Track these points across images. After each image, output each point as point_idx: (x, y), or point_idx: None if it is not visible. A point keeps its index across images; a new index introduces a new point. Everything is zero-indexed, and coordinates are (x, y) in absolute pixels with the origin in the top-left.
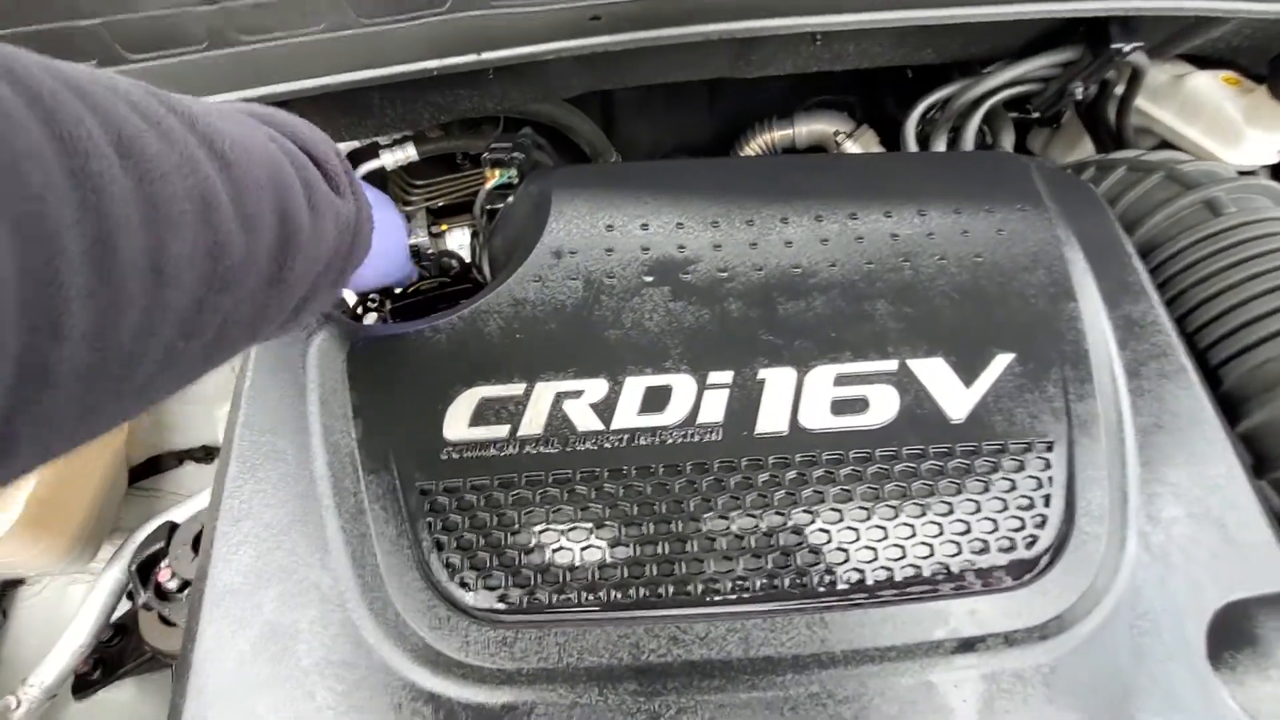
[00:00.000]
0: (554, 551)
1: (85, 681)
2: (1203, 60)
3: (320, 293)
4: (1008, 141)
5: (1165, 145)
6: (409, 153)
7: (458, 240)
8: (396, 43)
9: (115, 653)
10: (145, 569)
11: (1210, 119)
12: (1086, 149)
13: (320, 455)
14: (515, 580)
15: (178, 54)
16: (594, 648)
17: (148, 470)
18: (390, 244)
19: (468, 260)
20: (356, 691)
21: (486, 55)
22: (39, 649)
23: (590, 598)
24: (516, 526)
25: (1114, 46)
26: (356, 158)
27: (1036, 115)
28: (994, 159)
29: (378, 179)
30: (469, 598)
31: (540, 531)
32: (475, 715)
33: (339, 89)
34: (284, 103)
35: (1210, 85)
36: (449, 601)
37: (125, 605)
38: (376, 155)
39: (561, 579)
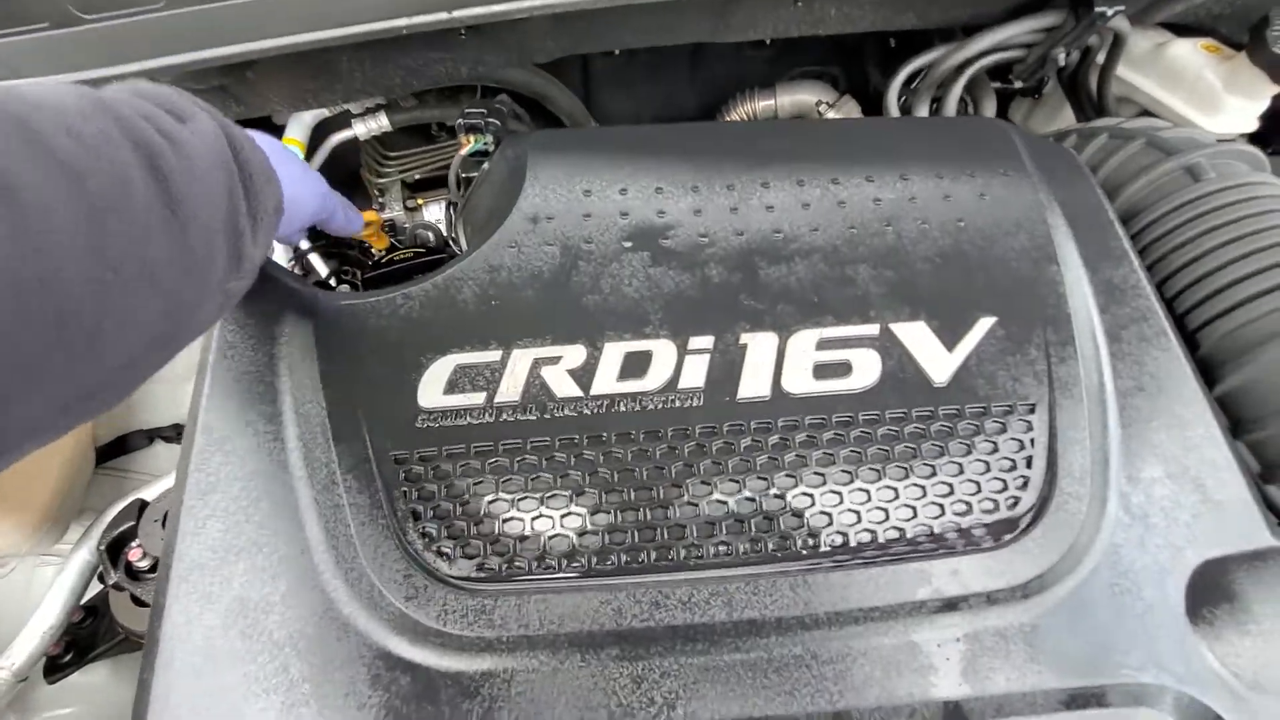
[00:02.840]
0: (533, 519)
1: (56, 664)
2: (1183, 29)
3: (245, 225)
4: (990, 110)
5: (1146, 113)
6: (381, 122)
7: (433, 214)
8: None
9: (87, 635)
10: (115, 548)
11: (1191, 87)
12: (1067, 120)
13: (290, 425)
14: (494, 548)
15: (133, 14)
16: (575, 614)
17: (116, 450)
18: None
19: (444, 233)
20: (332, 664)
21: (457, 13)
22: (7, 632)
23: (571, 565)
24: (494, 494)
25: (1097, 10)
26: (328, 127)
27: (1019, 85)
28: (976, 124)
29: (350, 149)
30: (446, 566)
31: (519, 499)
32: (454, 684)
33: (304, 49)
34: (249, 63)
35: (1190, 53)
36: (426, 571)
37: (96, 587)
38: (349, 125)
39: (541, 546)
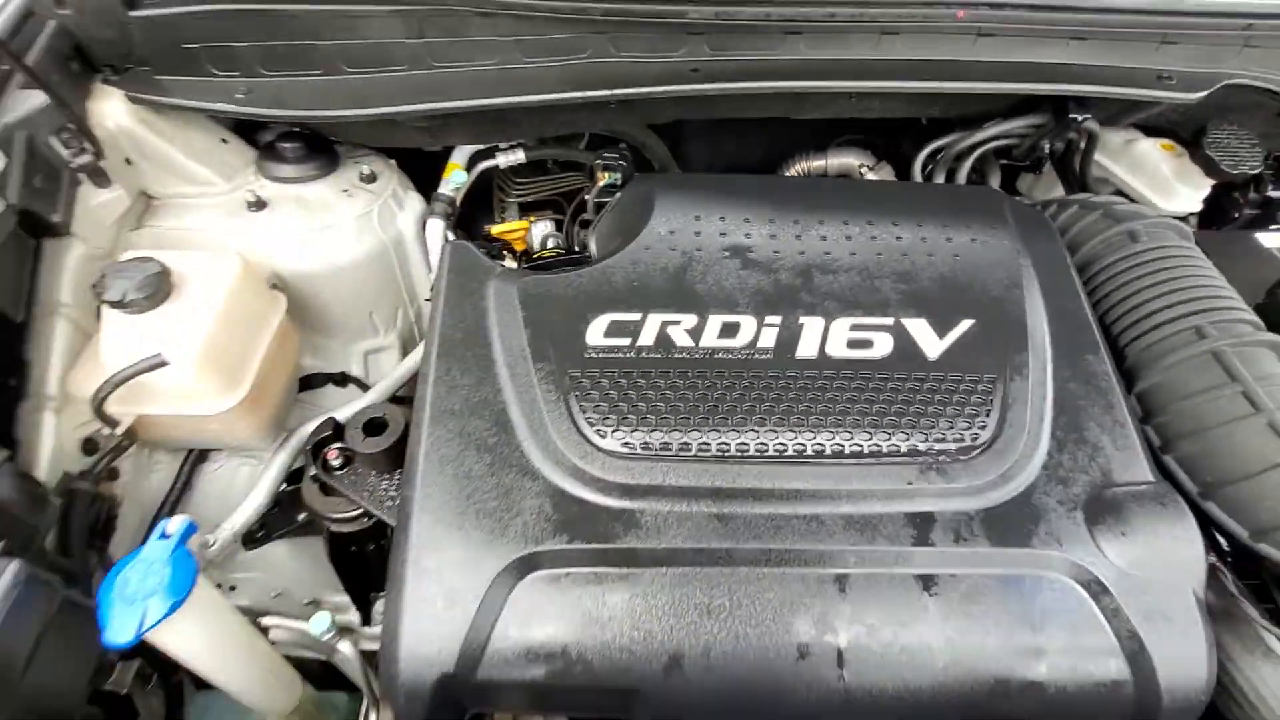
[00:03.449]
0: (659, 418)
1: (253, 537)
2: (1150, 129)
3: None
4: (994, 181)
5: (1119, 192)
6: (519, 156)
7: (541, 230)
8: (549, 77)
9: (276, 518)
10: (315, 450)
11: (1150, 175)
12: (1059, 192)
13: (499, 350)
14: (634, 432)
15: (383, 71)
16: (684, 476)
17: (301, 386)
18: None
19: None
20: (528, 495)
21: (617, 91)
22: (214, 514)
23: (685, 447)
24: (635, 401)
25: (1070, 116)
26: (479, 156)
27: (1023, 163)
28: (978, 193)
29: (487, 176)
30: (601, 441)
31: (650, 406)
32: (605, 513)
33: (500, 108)
34: (452, 115)
35: (1151, 149)
36: (590, 443)
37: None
38: (494, 155)
39: (666, 434)
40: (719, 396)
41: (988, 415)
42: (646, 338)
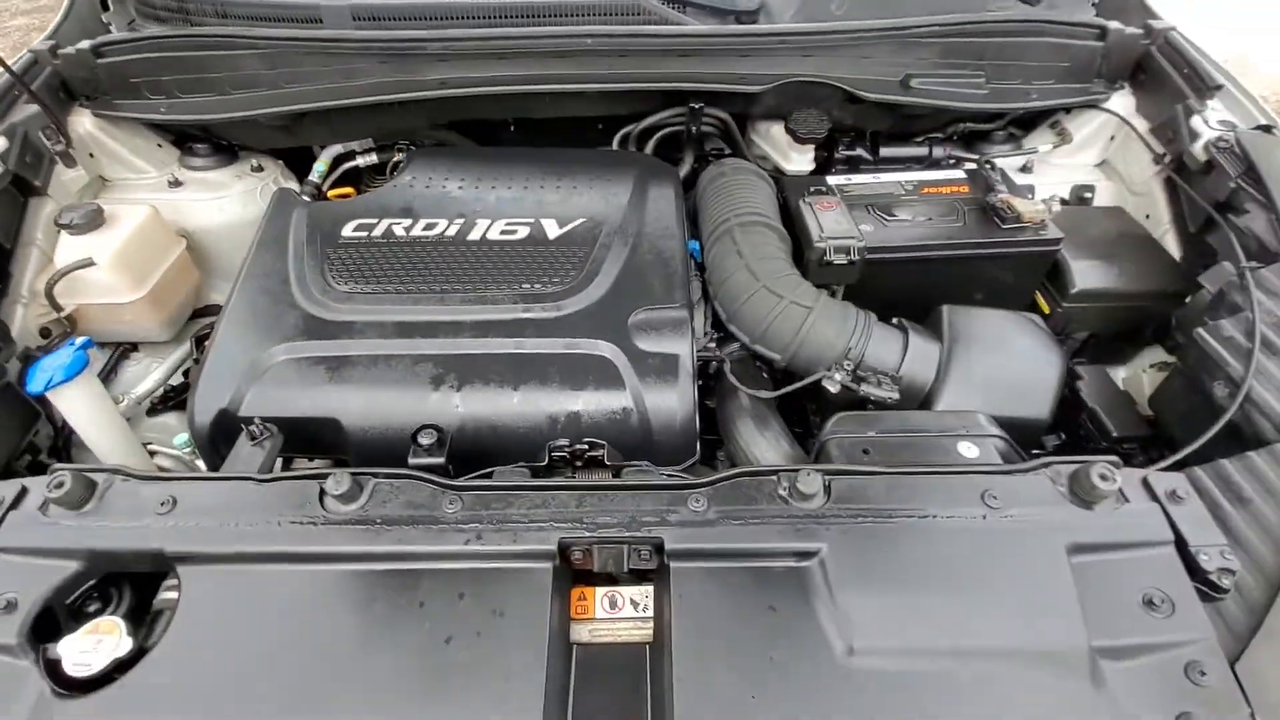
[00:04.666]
0: (375, 273)
1: (154, 409)
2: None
3: None
4: (687, 155)
5: (764, 159)
6: (373, 158)
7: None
8: (354, 90)
9: (170, 398)
10: (197, 343)
11: (779, 147)
12: None
13: (291, 243)
14: (358, 281)
15: (252, 91)
16: (384, 304)
17: (200, 314)
18: None
19: None
20: (293, 312)
21: (397, 96)
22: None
23: (388, 289)
24: (364, 265)
25: (692, 105)
26: (342, 158)
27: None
28: (622, 154)
29: (355, 171)
30: (339, 286)
31: (371, 267)
32: (332, 324)
33: (323, 110)
34: (298, 116)
35: (779, 131)
36: (330, 286)
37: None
38: (353, 157)
39: (379, 283)
40: (414, 260)
41: (575, 271)
42: (378, 232)
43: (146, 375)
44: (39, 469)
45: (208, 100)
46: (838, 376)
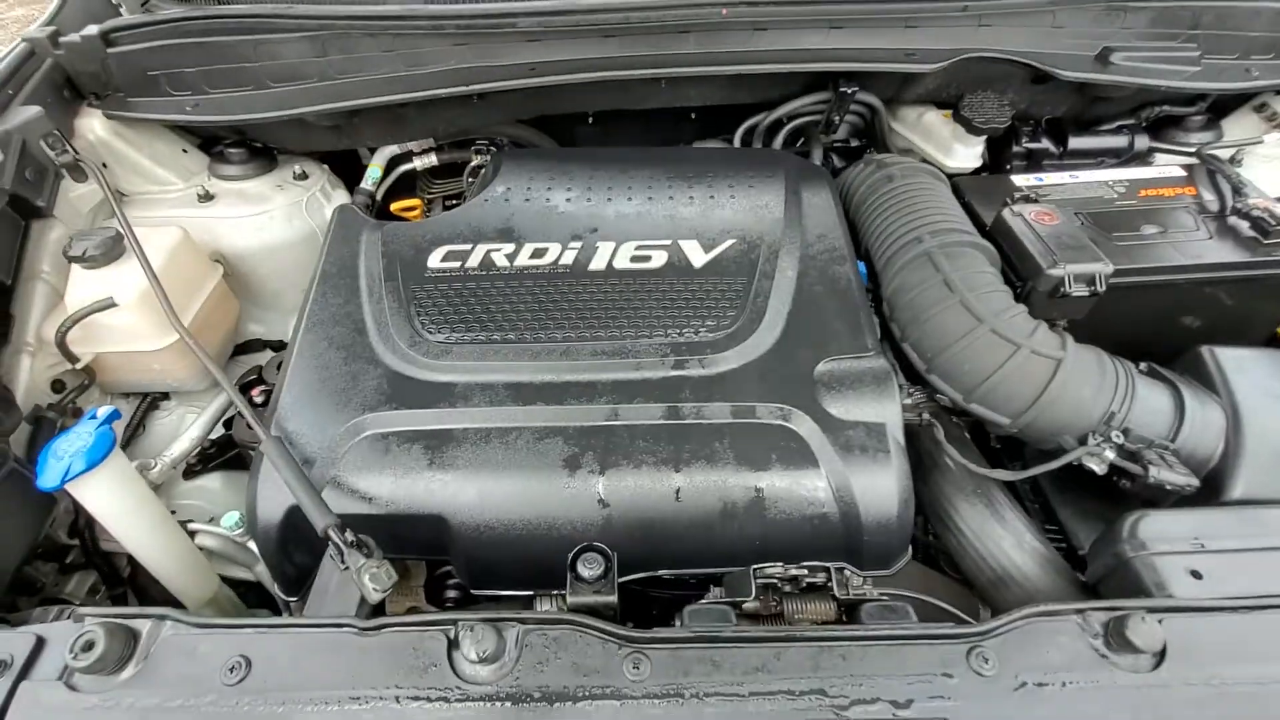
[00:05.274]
0: (475, 317)
1: (191, 470)
2: (940, 104)
3: None
4: (817, 154)
5: (908, 153)
6: (431, 159)
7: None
8: (422, 81)
9: (212, 455)
10: (244, 390)
11: (936, 139)
12: None
13: (363, 277)
14: (455, 329)
15: (297, 84)
16: (491, 359)
17: (241, 350)
18: None
19: None
20: (372, 372)
21: (474, 87)
22: (161, 450)
23: (492, 338)
24: (459, 305)
25: (841, 90)
26: (398, 160)
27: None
28: (764, 152)
29: (409, 176)
30: (429, 335)
31: (470, 307)
32: (427, 386)
33: (384, 105)
34: (352, 114)
35: (935, 119)
36: (420, 336)
37: (218, 432)
38: (410, 159)
39: (480, 330)
40: (524, 298)
41: (743, 308)
42: (474, 261)
43: (180, 430)
44: (55, 555)
45: (243, 96)
46: (1108, 453)
